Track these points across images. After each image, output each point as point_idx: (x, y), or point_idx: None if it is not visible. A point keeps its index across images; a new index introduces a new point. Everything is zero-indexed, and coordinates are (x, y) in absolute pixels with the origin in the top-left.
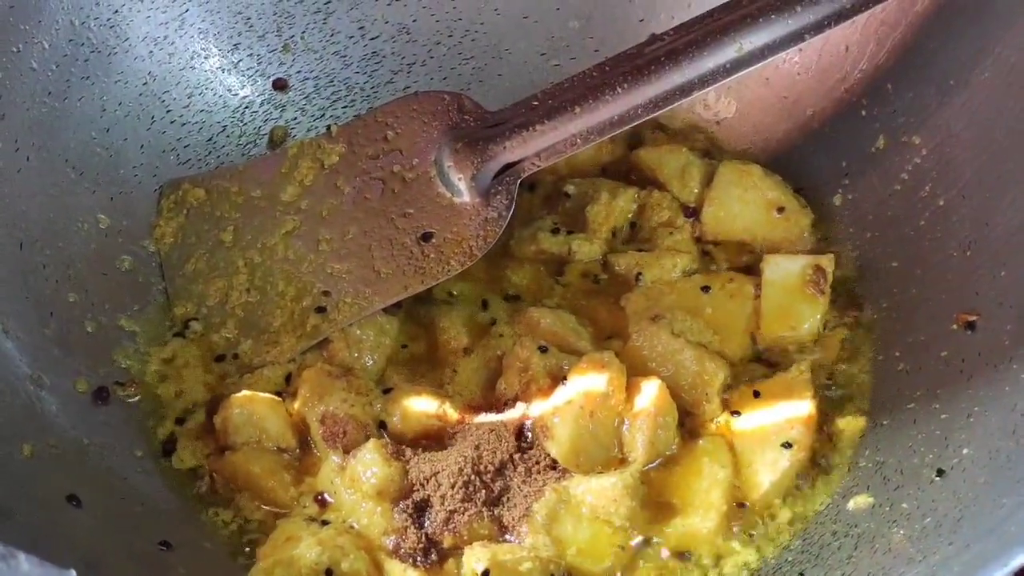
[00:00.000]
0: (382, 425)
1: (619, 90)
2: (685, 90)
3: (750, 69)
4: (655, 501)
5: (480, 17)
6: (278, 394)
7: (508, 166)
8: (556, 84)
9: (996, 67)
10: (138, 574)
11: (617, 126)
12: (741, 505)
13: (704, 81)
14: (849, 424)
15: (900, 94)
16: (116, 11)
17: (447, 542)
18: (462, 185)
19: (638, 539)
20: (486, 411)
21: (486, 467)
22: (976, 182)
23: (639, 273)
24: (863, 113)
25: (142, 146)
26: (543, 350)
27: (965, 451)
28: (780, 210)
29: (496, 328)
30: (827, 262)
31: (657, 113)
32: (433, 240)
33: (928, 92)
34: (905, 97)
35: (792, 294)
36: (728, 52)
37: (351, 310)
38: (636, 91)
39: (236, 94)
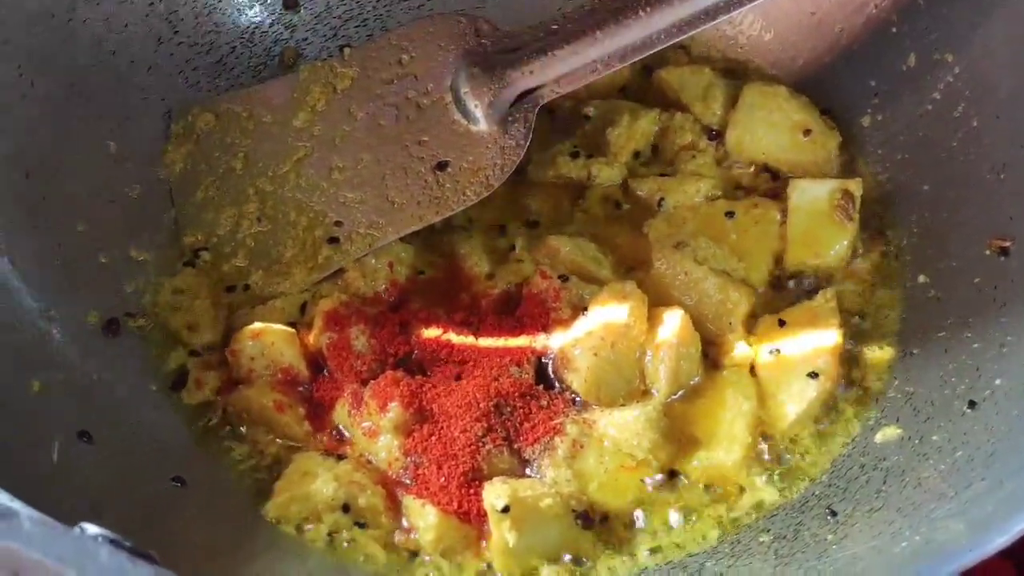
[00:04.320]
0: (399, 355)
1: (642, 13)
2: (711, 13)
3: None
4: (678, 434)
5: None
6: (292, 325)
7: (526, 93)
8: (576, 7)
9: None
10: (149, 514)
11: (639, 51)
12: (766, 437)
13: (731, 4)
14: (877, 353)
15: (933, 9)
16: None
17: (467, 476)
18: (479, 112)
19: (661, 473)
20: (506, 342)
21: (506, 400)
22: (1011, 102)
23: (661, 198)
24: (894, 30)
25: (149, 68)
26: (563, 279)
27: (998, 382)
28: (807, 132)
29: (515, 254)
30: (855, 186)
31: (681, 38)
32: (449, 169)
33: (962, 7)
34: (938, 12)
35: (819, 219)
36: None
37: (364, 241)
38: (660, 14)
39: (245, 13)
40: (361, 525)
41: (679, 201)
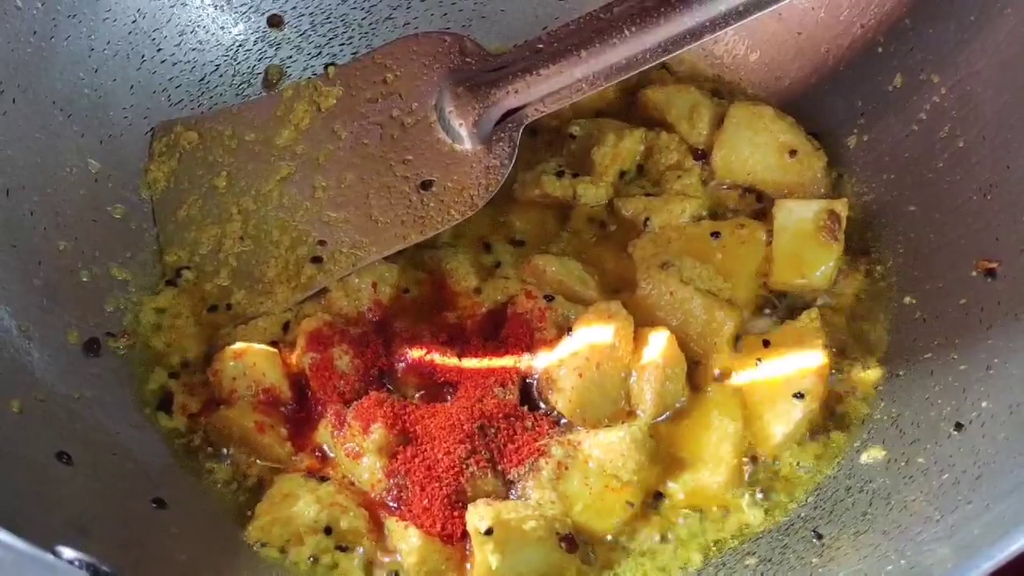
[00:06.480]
0: (383, 376)
1: (627, 33)
2: (696, 33)
3: (765, 11)
4: (663, 455)
5: None
6: (274, 344)
7: (511, 112)
8: (561, 26)
9: (1018, 3)
10: (129, 536)
11: (624, 71)
12: (752, 458)
13: (716, 24)
14: (863, 374)
15: (919, 30)
16: None
17: (450, 498)
18: (463, 131)
19: (646, 495)
20: (490, 362)
21: (490, 421)
22: (997, 123)
23: (647, 218)
24: (880, 50)
25: (132, 87)
26: (549, 299)
27: (984, 404)
28: (792, 153)
29: (501, 270)
30: (841, 207)
31: (666, 57)
32: (433, 188)
33: (948, 28)
34: (924, 33)
35: (805, 240)
36: None
37: (347, 260)
38: (645, 34)
39: (229, 31)
40: (343, 549)
41: (665, 221)
